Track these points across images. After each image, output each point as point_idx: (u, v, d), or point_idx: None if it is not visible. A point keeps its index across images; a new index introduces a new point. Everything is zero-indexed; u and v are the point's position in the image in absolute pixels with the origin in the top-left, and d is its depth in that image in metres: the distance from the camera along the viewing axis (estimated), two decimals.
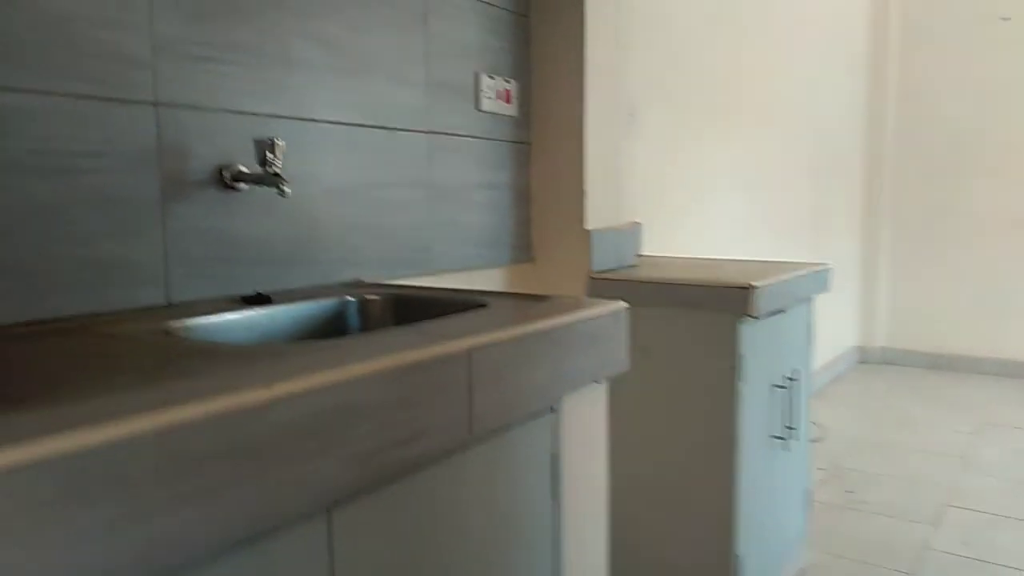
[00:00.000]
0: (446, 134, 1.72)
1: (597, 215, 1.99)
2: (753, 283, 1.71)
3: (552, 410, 1.09)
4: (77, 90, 1.07)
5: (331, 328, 1.33)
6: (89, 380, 0.73)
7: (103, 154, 1.10)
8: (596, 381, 1.17)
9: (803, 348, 2.13)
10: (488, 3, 1.80)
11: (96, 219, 1.10)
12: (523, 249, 1.99)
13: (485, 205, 1.85)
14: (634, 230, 2.45)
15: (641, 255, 2.50)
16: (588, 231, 1.94)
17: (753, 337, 1.79)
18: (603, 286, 1.92)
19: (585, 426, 1.17)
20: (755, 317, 1.73)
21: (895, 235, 5.04)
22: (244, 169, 1.27)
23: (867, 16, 4.88)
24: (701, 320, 1.78)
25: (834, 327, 4.65)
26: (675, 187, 2.81)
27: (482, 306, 1.23)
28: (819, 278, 2.13)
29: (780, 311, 1.93)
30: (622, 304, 1.21)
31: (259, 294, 1.28)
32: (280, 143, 1.22)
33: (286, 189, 1.19)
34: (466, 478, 0.94)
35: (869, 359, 5.18)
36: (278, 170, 1.21)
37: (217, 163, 1.25)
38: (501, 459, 0.99)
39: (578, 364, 1.11)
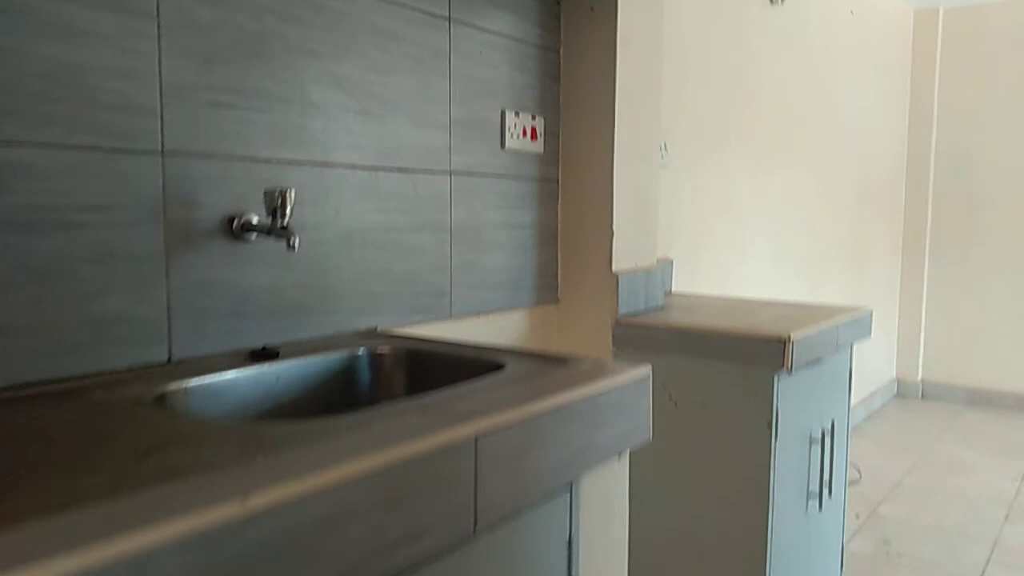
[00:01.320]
0: (469, 174, 1.66)
1: (625, 256, 1.91)
2: (790, 335, 1.62)
3: (568, 490, 1.02)
4: (81, 142, 1.03)
5: (340, 385, 1.28)
6: (54, 477, 0.67)
7: (106, 207, 1.06)
8: (618, 454, 1.09)
9: (841, 398, 2.03)
10: (516, 39, 1.74)
11: (97, 275, 1.05)
12: (547, 290, 1.91)
13: (508, 246, 1.78)
14: (664, 267, 2.37)
15: (671, 292, 2.41)
16: (615, 274, 1.86)
17: (789, 391, 1.70)
18: (630, 332, 1.84)
19: (604, 505, 1.09)
20: (791, 371, 1.64)
21: (936, 265, 4.87)
22: (255, 219, 1.22)
23: (909, 44, 4.74)
24: (734, 373, 1.69)
25: (872, 359, 4.49)
26: (709, 219, 2.72)
27: (499, 367, 1.16)
28: (859, 324, 2.02)
29: (817, 360, 1.83)
30: (647, 369, 1.14)
31: (266, 349, 1.22)
32: (291, 194, 1.16)
33: (295, 243, 1.13)
34: (471, 572, 0.87)
35: (907, 393, 5.00)
36: (288, 223, 1.16)
37: (227, 212, 1.21)
38: (510, 548, 0.92)
39: (599, 438, 1.03)
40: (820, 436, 1.87)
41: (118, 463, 0.71)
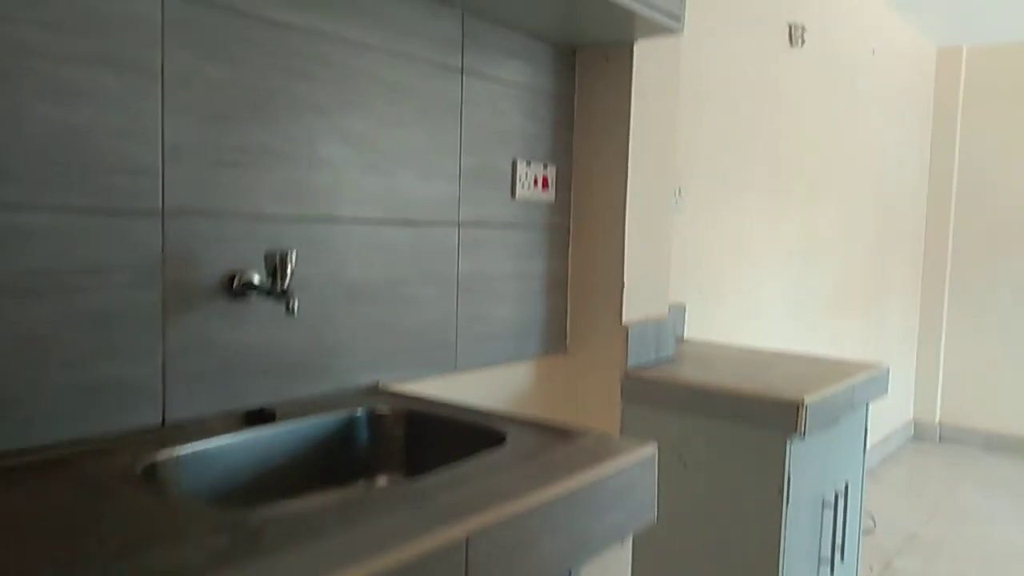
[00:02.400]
0: (477, 225, 1.63)
1: (636, 306, 1.87)
2: (803, 399, 1.57)
3: None
4: (80, 204, 1.01)
5: (338, 447, 1.24)
6: None
7: (104, 269, 1.04)
8: (621, 539, 1.05)
9: (856, 459, 1.97)
10: (529, 88, 1.72)
11: (90, 339, 1.03)
12: (556, 339, 1.88)
13: (516, 296, 1.75)
14: (676, 313, 2.33)
15: (684, 339, 2.37)
16: (625, 325, 1.83)
17: (802, 455, 1.64)
18: (639, 387, 1.79)
19: None
20: (804, 436, 1.59)
21: (955, 305, 4.79)
22: (255, 278, 1.20)
23: (932, 82, 4.70)
24: (745, 435, 1.64)
25: (889, 400, 4.41)
26: (724, 262, 2.68)
27: (500, 438, 1.12)
28: (876, 382, 1.97)
29: (833, 420, 1.77)
30: (653, 448, 1.09)
31: (263, 410, 1.19)
32: (291, 257, 1.14)
33: (295, 307, 1.11)
34: None
35: (925, 435, 4.90)
36: (288, 286, 1.13)
37: (227, 270, 1.18)
38: None
39: (601, 524, 0.99)
40: (833, 499, 1.81)
41: (92, 563, 0.68)
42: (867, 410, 2.00)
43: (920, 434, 4.92)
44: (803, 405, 1.56)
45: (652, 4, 1.52)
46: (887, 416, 4.42)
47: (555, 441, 1.11)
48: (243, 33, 1.17)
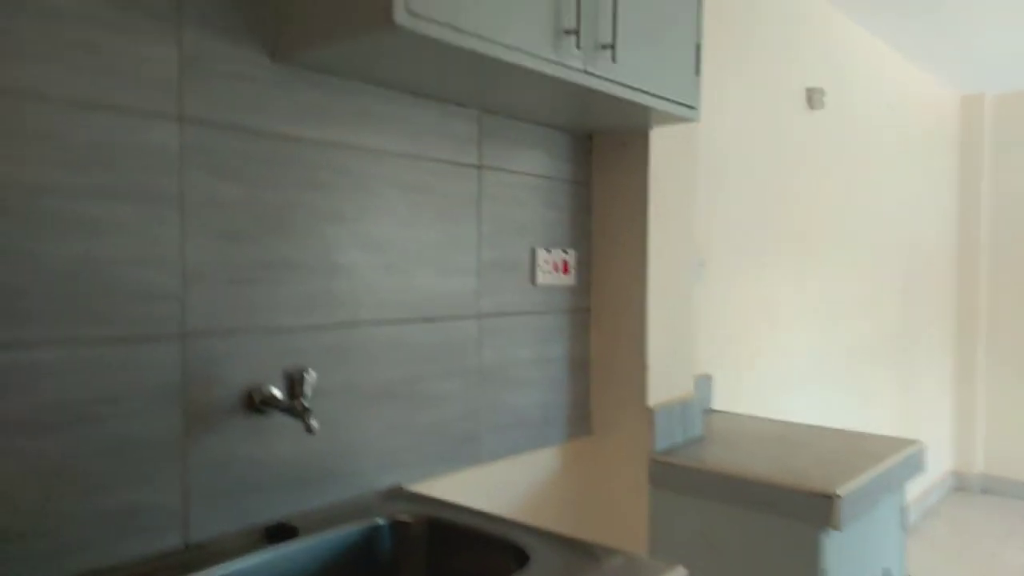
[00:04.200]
0: (498, 315, 1.63)
1: (661, 387, 1.84)
2: (836, 492, 1.52)
3: None
4: (99, 335, 1.02)
5: (360, 560, 1.22)
6: None
7: (123, 397, 1.04)
8: None
9: (895, 544, 1.90)
10: (546, 176, 1.72)
11: (110, 467, 1.03)
12: (580, 423, 1.85)
13: (539, 382, 1.73)
14: (702, 384, 2.30)
15: (712, 410, 2.33)
16: (650, 409, 1.80)
17: (837, 547, 1.59)
18: (667, 472, 1.76)
19: None
20: (839, 529, 1.54)
21: (993, 353, 4.67)
22: (276, 393, 1.20)
23: (956, 130, 4.65)
24: (777, 526, 1.59)
25: (929, 451, 4.28)
26: (749, 329, 2.64)
27: (525, 560, 1.10)
28: (912, 461, 1.91)
29: (869, 508, 1.72)
30: (683, 574, 1.06)
31: (283, 525, 1.18)
32: (309, 375, 1.14)
33: (314, 426, 1.10)
34: None
35: (966, 486, 4.74)
36: (307, 405, 1.13)
37: (246, 386, 1.18)
38: None
39: None
40: None
41: None
42: (903, 492, 1.94)
43: (961, 485, 4.76)
44: (837, 497, 1.52)
45: (667, 98, 1.52)
46: (928, 466, 4.29)
47: (581, 562, 1.08)
48: (258, 151, 1.19)
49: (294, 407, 1.13)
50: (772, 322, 2.78)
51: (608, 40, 1.36)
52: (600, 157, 1.85)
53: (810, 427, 2.11)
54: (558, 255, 1.77)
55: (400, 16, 1.01)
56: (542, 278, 1.72)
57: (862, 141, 3.42)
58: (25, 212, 0.95)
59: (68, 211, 0.99)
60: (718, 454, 1.81)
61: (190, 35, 1.10)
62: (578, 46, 1.29)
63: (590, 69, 1.33)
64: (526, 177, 1.67)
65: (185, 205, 1.10)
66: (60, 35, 0.97)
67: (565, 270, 1.79)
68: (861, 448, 1.87)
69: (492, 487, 1.62)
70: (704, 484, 1.70)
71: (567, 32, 1.28)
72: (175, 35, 1.08)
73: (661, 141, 1.81)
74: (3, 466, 0.94)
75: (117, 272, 1.03)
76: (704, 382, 2.33)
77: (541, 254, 1.72)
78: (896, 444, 1.93)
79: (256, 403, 1.18)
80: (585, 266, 1.86)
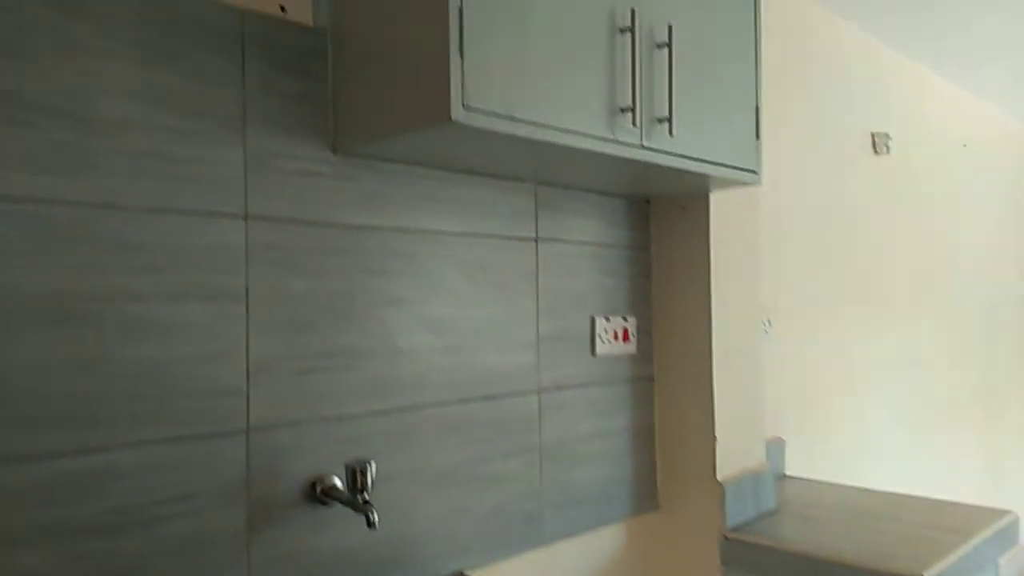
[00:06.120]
0: (558, 388, 1.60)
1: (731, 460, 1.77)
2: (925, 574, 1.42)
3: None
4: (167, 435, 1.03)
5: None
6: None
7: (190, 496, 1.05)
8: None
9: None
10: (604, 244, 1.70)
11: (176, 565, 1.03)
12: (647, 497, 1.79)
13: (601, 456, 1.69)
14: (774, 449, 2.20)
15: (785, 476, 2.23)
16: (720, 483, 1.73)
17: None
18: (740, 551, 1.68)
19: None
20: None
21: None
22: (338, 483, 1.19)
23: None
24: None
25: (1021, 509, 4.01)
26: (821, 388, 2.53)
27: None
28: (1005, 534, 1.78)
29: None
30: None
31: None
32: (371, 468, 1.13)
33: (375, 520, 1.09)
34: None
35: None
36: (367, 498, 1.12)
37: (309, 477, 1.18)
38: None
39: None
40: None
41: None
42: (997, 567, 1.81)
43: None
44: None
45: (727, 164, 1.50)
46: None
47: None
48: (320, 242, 1.20)
49: (355, 501, 1.12)
50: (845, 379, 2.67)
51: (664, 114, 1.35)
52: (659, 221, 1.82)
53: (892, 496, 2.00)
54: (618, 323, 1.73)
55: (457, 113, 1.01)
56: (602, 348, 1.69)
57: (933, 184, 3.30)
58: (99, 319, 0.98)
59: (139, 315, 1.01)
60: (795, 530, 1.72)
61: (254, 135, 1.13)
62: (634, 123, 1.28)
63: (647, 144, 1.32)
64: (583, 246, 1.66)
65: (250, 300, 1.12)
66: (131, 146, 1.01)
67: (626, 338, 1.76)
68: (949, 521, 1.76)
69: (555, 569, 1.58)
70: (781, 565, 1.62)
71: (623, 110, 1.27)
72: (240, 137, 1.11)
73: (722, 202, 1.77)
74: (78, 569, 0.95)
75: (184, 371, 1.05)
76: (776, 447, 2.24)
77: (600, 323, 1.69)
78: (987, 515, 1.80)
79: (318, 494, 1.18)
80: (646, 333, 1.82)
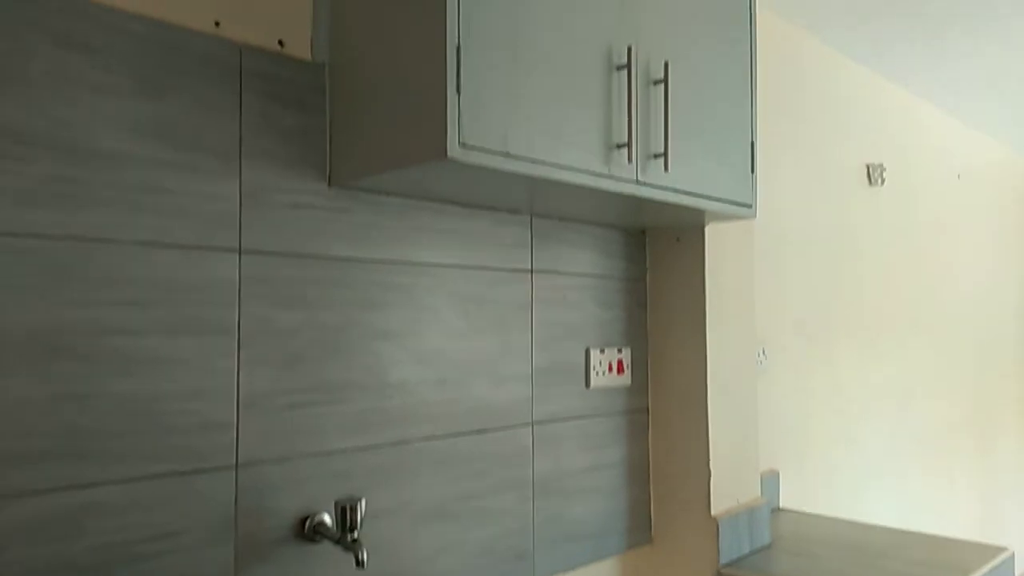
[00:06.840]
0: (552, 421, 1.59)
1: (725, 495, 1.76)
2: None
3: None
4: (155, 471, 1.02)
5: None
6: None
7: (178, 533, 1.03)
8: None
9: None
10: (599, 276, 1.70)
11: None
12: (640, 530, 1.78)
13: (594, 490, 1.67)
14: (769, 482, 2.19)
15: (780, 509, 2.21)
16: (715, 518, 1.71)
17: None
18: None
19: None
20: None
21: None
22: (327, 520, 1.17)
23: None
24: None
25: (1019, 557, 3.99)
26: (816, 419, 2.52)
27: None
28: (1001, 571, 1.77)
29: None
30: None
31: None
32: (361, 507, 1.11)
33: (364, 559, 1.07)
34: None
35: None
36: (356, 537, 1.10)
37: (298, 513, 1.17)
38: None
39: None
40: None
41: None
42: None
43: None
44: None
45: (722, 199, 1.50)
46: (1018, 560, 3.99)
47: None
48: (313, 275, 1.20)
49: (344, 540, 1.11)
50: (840, 410, 2.66)
51: (660, 150, 1.35)
52: (654, 253, 1.82)
53: (888, 531, 1.98)
54: (613, 355, 1.73)
55: (454, 150, 1.01)
56: (596, 380, 1.68)
57: (928, 215, 3.31)
58: (90, 353, 0.97)
59: (130, 349, 1.00)
60: (790, 567, 1.71)
61: (250, 169, 1.13)
62: (630, 159, 1.28)
63: (642, 179, 1.32)
64: (579, 278, 1.65)
65: (242, 334, 1.11)
66: (126, 179, 1.01)
67: (620, 370, 1.75)
68: (945, 558, 1.74)
69: None
70: None
71: (619, 146, 1.27)
72: (236, 170, 1.11)
73: (717, 234, 1.78)
74: None
75: (174, 406, 1.04)
76: (771, 480, 2.23)
77: (595, 355, 1.68)
78: (983, 552, 1.79)
79: (307, 531, 1.16)
80: (642, 365, 1.81)
